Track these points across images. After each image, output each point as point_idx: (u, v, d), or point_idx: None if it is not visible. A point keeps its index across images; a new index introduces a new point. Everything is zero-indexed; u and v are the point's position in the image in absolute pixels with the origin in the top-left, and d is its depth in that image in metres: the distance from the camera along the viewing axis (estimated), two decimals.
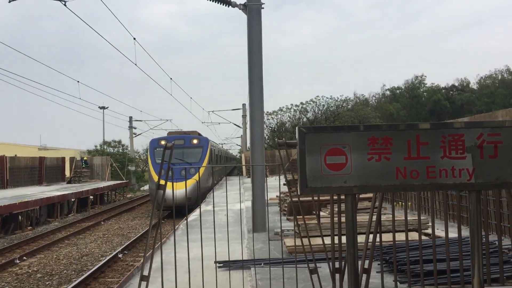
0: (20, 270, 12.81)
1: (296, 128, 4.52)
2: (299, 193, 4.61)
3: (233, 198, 21.77)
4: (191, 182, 21.09)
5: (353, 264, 4.45)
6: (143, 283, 5.24)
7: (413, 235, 8.30)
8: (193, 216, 15.90)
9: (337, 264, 5.22)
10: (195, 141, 24.32)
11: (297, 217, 11.30)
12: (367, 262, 5.39)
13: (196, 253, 7.27)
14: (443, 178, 4.43)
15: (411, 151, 4.44)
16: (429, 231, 9.52)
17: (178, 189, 19.24)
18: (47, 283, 11.32)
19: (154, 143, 24.46)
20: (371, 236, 5.60)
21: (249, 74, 11.41)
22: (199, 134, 27.26)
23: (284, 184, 10.47)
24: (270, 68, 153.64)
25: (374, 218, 5.65)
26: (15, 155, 33.19)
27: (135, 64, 19.49)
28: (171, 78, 27.97)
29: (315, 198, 11.95)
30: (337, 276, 5.16)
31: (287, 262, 7.36)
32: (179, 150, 23.45)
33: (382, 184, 4.44)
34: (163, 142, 23.36)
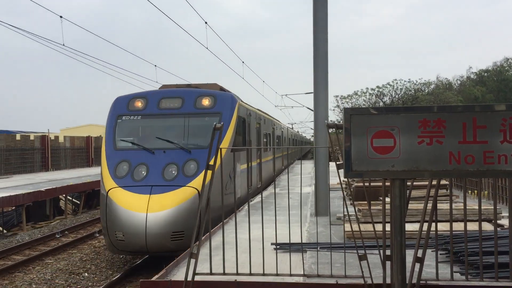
0: (98, 243, 13.73)
1: (343, 109, 4.36)
2: (343, 177, 4.47)
3: (303, 181, 21.67)
4: (185, 194, 9.73)
5: (400, 252, 4.26)
6: (192, 260, 5.38)
7: (484, 226, 7.81)
8: (258, 198, 16.05)
9: (388, 252, 5.03)
10: (205, 102, 11.52)
11: (360, 202, 11.05)
12: (420, 251, 5.14)
13: (254, 235, 7.33)
14: (502, 164, 4.09)
15: (467, 135, 4.14)
16: (502, 221, 8.92)
17: (151, 212, 9.23)
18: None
19: (121, 104, 11.68)
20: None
21: (314, 54, 11.20)
22: (222, 89, 13.97)
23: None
24: (345, 50, 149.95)
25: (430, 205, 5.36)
26: (100, 135, 35.28)
27: (207, 48, 19.82)
28: (243, 62, 28.15)
29: (380, 183, 11.56)
30: (388, 264, 4.98)
31: (337, 247, 7.25)
32: (168, 119, 11.42)
33: (433, 169, 4.19)
34: (139, 104, 11.50)
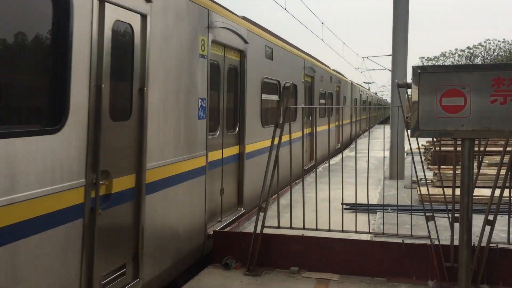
0: None
1: (411, 66, 4.29)
2: (409, 136, 4.44)
3: (380, 146, 21.29)
4: None
5: (466, 213, 4.21)
6: (261, 214, 5.65)
7: None
8: (335, 160, 16.03)
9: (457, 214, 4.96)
10: None
11: (437, 166, 10.73)
12: (492, 216, 5.01)
13: (325, 195, 7.46)
14: None
15: None
16: None
17: None
18: None
19: None
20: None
21: (393, 12, 10.80)
22: None
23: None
24: (433, 9, 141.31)
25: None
26: None
27: (284, 9, 19.64)
28: (322, 23, 27.61)
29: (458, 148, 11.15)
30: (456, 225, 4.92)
31: (404, 209, 7.19)
32: None
33: (506, 129, 4.05)
34: None
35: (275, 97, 9.46)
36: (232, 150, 7.15)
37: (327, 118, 15.46)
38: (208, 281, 5.32)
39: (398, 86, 5.00)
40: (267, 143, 7.37)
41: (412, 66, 4.26)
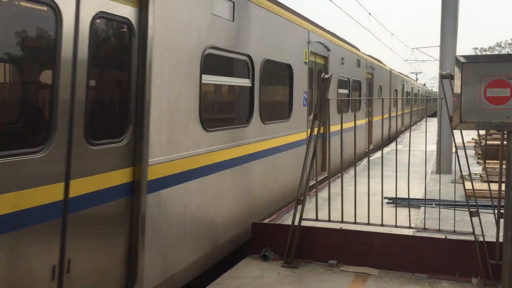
0: None
1: (454, 56, 4.14)
2: (452, 128, 4.29)
3: (428, 139, 20.67)
4: None
5: (511, 210, 4.04)
6: (299, 206, 5.64)
7: None
8: (378, 154, 15.72)
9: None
10: None
11: (489, 161, 10.32)
12: None
13: (366, 189, 7.34)
14: None
15: None
16: None
17: None
18: None
19: None
20: None
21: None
22: None
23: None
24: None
25: None
26: None
27: (330, 0, 19.37)
28: (369, 13, 27.07)
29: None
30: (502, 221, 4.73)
31: (447, 204, 6.95)
32: None
33: None
34: None
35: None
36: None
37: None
38: (245, 271, 5.37)
39: (441, 77, 4.84)
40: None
41: (455, 56, 4.11)
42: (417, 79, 50.45)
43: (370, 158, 14.00)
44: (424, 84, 62.53)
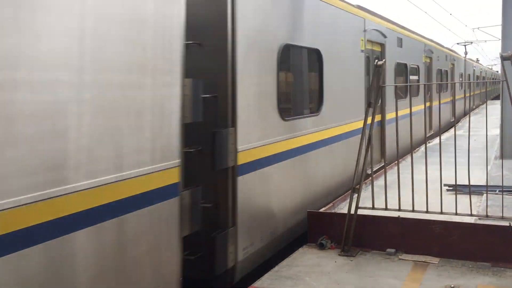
0: None
1: None
2: None
3: (490, 123, 19.77)
4: None
5: None
6: (355, 195, 5.61)
7: None
8: (437, 140, 15.20)
9: None
10: None
11: None
12: None
13: (428, 176, 7.18)
14: None
15: None
16: None
17: None
18: None
19: None
20: None
21: None
22: None
23: None
24: None
25: None
26: None
27: None
28: None
29: None
30: None
31: (510, 190, 6.65)
32: None
33: None
34: None
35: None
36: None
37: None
38: (302, 260, 5.42)
39: (502, 58, 4.65)
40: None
41: None
42: (477, 61, 47.91)
43: (429, 145, 13.60)
44: (491, 68, 59.44)
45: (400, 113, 7.68)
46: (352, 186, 5.64)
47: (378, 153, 9.47)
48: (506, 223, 5.10)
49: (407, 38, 12.09)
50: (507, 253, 5.01)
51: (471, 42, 28.93)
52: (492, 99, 44.03)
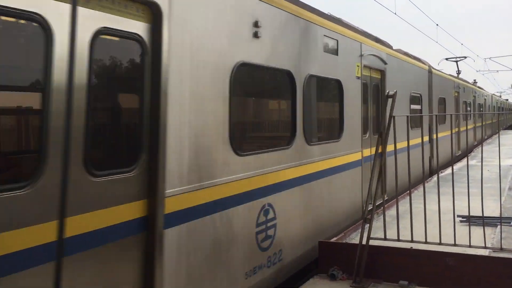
0: None
1: None
2: None
3: (504, 153, 19.64)
4: None
5: None
6: (366, 225, 5.56)
7: None
8: (449, 170, 15.09)
9: None
10: None
11: None
12: None
13: (436, 207, 7.12)
14: None
15: None
16: None
17: None
18: None
19: None
20: None
21: None
22: None
23: None
24: None
25: None
26: None
27: (395, 13, 19.08)
28: (437, 24, 26.35)
29: None
30: None
31: None
32: None
33: None
34: None
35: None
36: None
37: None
38: None
39: None
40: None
41: None
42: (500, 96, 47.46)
43: (441, 175, 13.49)
44: (501, 96, 59.42)
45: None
46: (364, 216, 5.60)
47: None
48: None
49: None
50: None
51: (465, 57, 28.87)
52: (504, 129, 43.73)
